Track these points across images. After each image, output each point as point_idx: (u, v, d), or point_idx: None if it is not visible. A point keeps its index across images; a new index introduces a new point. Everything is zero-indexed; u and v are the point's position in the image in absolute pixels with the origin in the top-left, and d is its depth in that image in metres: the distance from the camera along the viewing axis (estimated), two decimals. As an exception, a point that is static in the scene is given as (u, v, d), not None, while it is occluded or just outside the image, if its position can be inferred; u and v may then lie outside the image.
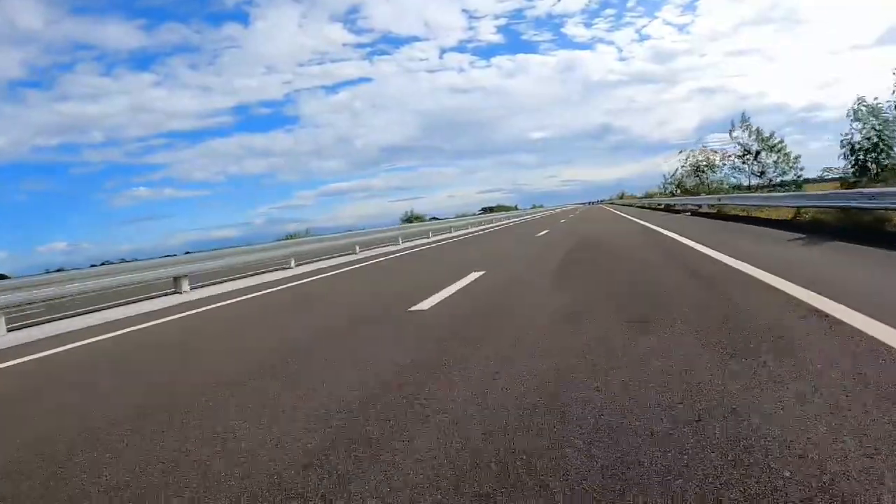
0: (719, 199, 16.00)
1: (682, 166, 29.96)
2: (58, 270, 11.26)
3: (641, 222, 14.97)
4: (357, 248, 14.60)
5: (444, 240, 17.55)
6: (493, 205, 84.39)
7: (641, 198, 59.90)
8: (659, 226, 12.49)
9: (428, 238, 19.70)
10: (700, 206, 19.01)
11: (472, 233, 21.49)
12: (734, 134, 25.18)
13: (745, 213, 13.68)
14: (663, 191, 41.47)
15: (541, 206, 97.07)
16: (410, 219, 47.00)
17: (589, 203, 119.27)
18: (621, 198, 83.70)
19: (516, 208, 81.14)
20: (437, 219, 39.93)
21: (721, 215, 14.73)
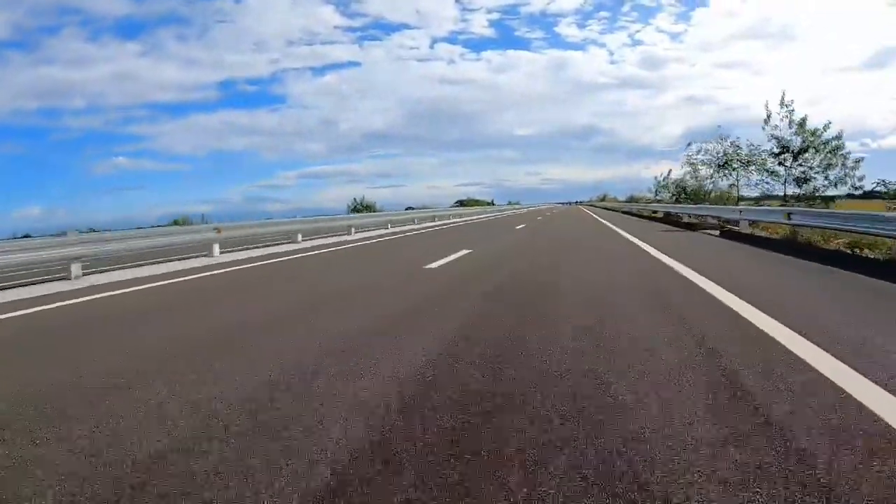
0: (788, 216, 8.65)
1: (690, 162, 22.53)
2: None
3: (680, 269, 7.55)
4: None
5: (303, 251, 9.96)
6: (472, 198, 79.26)
7: (624, 201, 53.60)
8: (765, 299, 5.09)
9: (296, 243, 12.08)
10: (734, 221, 11.78)
11: (382, 236, 13.91)
12: (770, 122, 18.04)
13: (872, 254, 6.40)
14: (654, 195, 34.52)
15: (517, 203, 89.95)
16: (359, 207, 39.98)
17: (567, 203, 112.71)
18: (603, 199, 77.05)
19: (491, 203, 74.55)
20: (413, 208, 33.49)
21: (805, 248, 7.43)
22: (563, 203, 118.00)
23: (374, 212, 34.02)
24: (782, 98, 17.90)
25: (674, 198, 23.66)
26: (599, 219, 21.20)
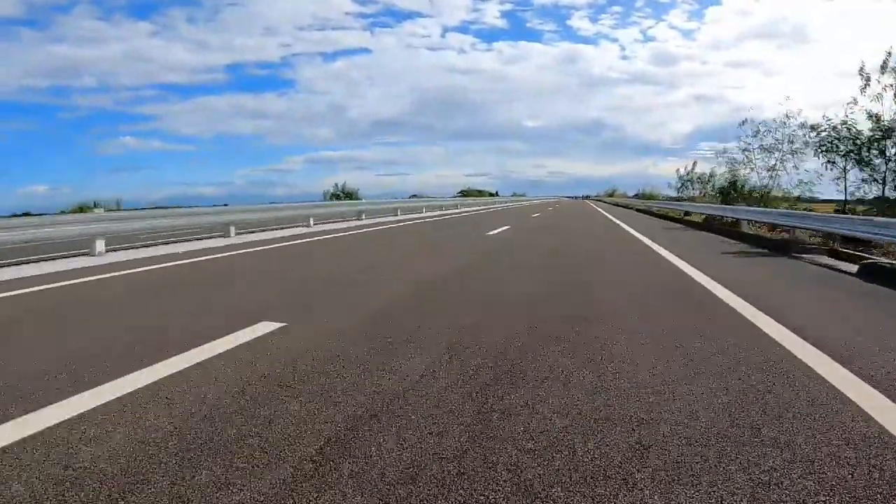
0: None
1: (744, 149, 16.77)
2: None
3: None
4: None
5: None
6: (476, 189, 76.17)
7: (632, 197, 48.48)
8: None
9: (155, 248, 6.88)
10: (867, 237, 6.44)
11: (283, 239, 8.68)
12: (866, 94, 12.48)
13: None
14: (677, 191, 29.09)
15: (522, 195, 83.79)
16: (339, 194, 35.22)
17: (573, 197, 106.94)
18: (611, 195, 71.20)
19: (495, 195, 69.42)
20: (417, 196, 31.57)
21: None
22: (569, 197, 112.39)
23: (355, 199, 28.61)
24: (885, 60, 12.36)
25: (718, 196, 18.04)
26: (617, 221, 15.79)
